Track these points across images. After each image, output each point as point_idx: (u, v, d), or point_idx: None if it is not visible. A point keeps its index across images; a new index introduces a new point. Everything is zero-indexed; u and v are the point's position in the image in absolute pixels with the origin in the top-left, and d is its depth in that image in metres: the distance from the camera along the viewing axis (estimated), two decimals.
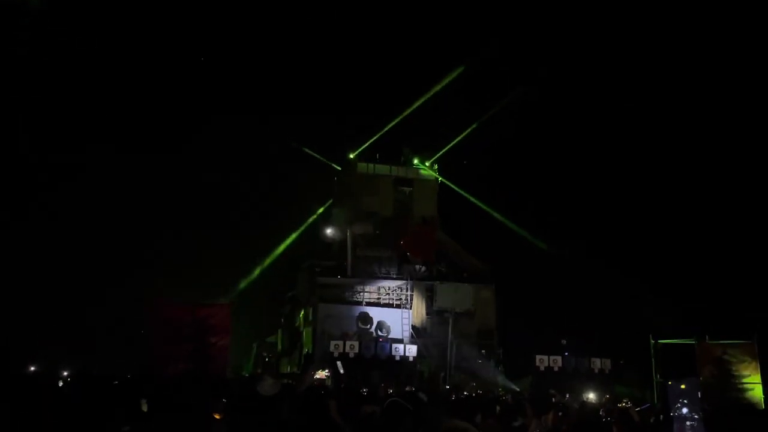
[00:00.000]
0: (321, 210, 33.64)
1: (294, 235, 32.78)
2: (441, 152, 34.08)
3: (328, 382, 20.12)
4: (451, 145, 33.98)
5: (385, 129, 33.18)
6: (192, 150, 32.11)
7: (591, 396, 19.38)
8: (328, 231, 31.87)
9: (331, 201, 34.45)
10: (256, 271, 31.39)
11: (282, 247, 32.38)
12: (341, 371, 16.96)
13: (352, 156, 33.32)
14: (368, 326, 26.37)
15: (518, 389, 23.10)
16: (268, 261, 31.90)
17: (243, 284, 30.97)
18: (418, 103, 33.69)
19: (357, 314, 27.89)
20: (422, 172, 33.74)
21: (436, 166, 34.09)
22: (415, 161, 33.70)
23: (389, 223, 31.93)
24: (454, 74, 33.33)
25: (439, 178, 34.00)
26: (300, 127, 34.33)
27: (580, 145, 36.56)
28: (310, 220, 33.23)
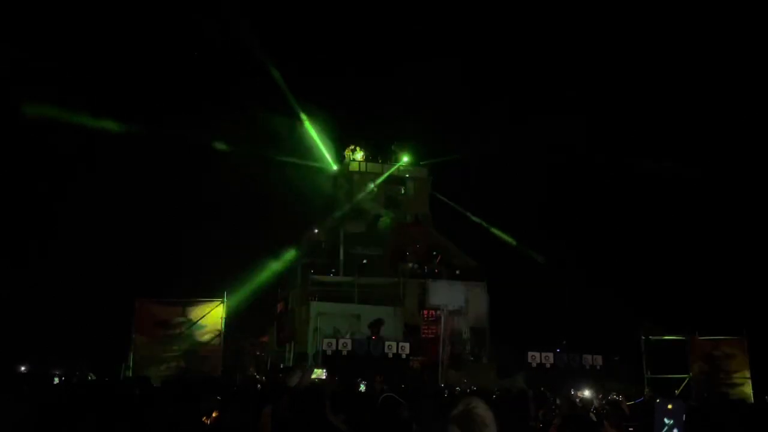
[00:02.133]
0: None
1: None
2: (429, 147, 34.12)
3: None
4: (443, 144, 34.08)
5: (379, 128, 33.18)
6: (185, 148, 31.98)
7: (587, 393, 19.46)
8: (315, 230, 31.87)
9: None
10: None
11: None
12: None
13: (345, 155, 33.32)
14: (378, 329, 26.30)
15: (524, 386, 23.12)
16: None
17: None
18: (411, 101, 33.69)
19: (350, 312, 27.91)
20: (413, 170, 33.78)
21: (427, 168, 34.11)
22: (405, 159, 33.73)
23: (382, 221, 31.97)
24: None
25: (431, 176, 34.03)
26: (294, 127, 34.25)
27: (568, 146, 36.72)
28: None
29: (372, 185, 32.69)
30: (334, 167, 34.47)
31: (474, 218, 33.86)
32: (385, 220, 31.26)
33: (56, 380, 12.86)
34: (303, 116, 33.98)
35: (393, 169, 33.44)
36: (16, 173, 30.63)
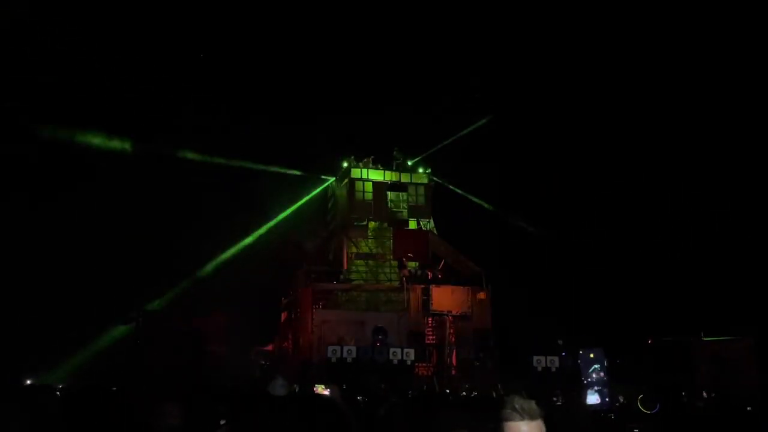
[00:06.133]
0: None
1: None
2: (432, 150, 34.16)
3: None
4: (445, 143, 34.11)
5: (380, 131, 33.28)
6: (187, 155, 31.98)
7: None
8: (318, 238, 31.98)
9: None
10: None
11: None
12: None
13: (345, 163, 33.38)
14: (382, 337, 26.17)
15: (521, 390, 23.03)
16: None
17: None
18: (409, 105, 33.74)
19: (354, 319, 27.90)
20: (415, 176, 33.81)
21: (429, 170, 34.12)
22: (408, 163, 33.78)
23: (384, 228, 32.03)
24: (481, 122, 33.66)
25: (433, 179, 34.01)
26: (295, 134, 34.35)
27: (574, 142, 36.78)
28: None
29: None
30: (336, 174, 34.54)
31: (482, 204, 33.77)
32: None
33: (58, 393, 12.80)
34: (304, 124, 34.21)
35: (395, 175, 33.43)
36: (17, 181, 30.69)
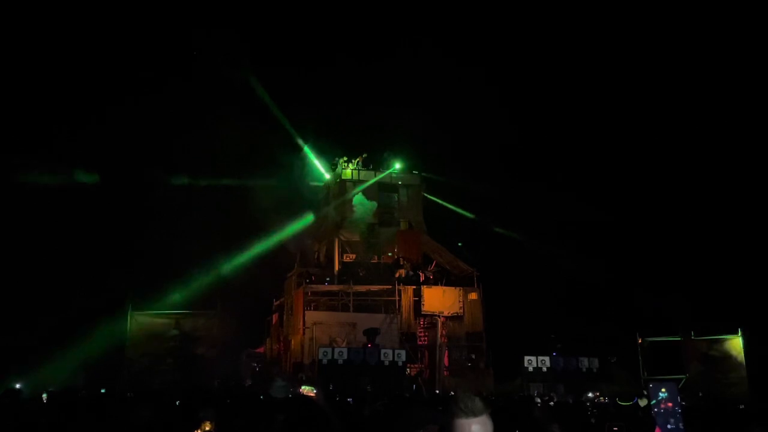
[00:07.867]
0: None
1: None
2: (425, 150, 34.15)
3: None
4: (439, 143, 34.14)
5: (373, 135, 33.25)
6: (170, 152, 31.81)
7: (590, 395, 19.51)
8: (309, 240, 31.93)
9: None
10: None
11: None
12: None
13: (337, 164, 33.33)
14: (374, 338, 26.11)
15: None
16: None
17: None
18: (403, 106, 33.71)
19: (345, 321, 27.86)
20: (407, 177, 33.81)
21: (420, 172, 34.13)
22: (398, 166, 33.76)
23: (375, 229, 31.99)
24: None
25: (424, 179, 34.04)
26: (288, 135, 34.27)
27: (566, 135, 36.89)
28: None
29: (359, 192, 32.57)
30: (327, 176, 34.49)
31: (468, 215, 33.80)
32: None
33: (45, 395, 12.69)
34: (293, 126, 34.16)
35: (384, 176, 33.38)
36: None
